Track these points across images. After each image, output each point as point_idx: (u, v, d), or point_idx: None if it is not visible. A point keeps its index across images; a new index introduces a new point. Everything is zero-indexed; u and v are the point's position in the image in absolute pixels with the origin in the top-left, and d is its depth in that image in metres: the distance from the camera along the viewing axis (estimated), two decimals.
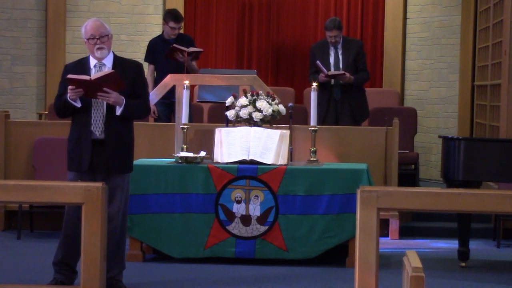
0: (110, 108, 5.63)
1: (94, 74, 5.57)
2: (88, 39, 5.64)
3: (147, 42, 9.22)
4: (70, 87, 5.50)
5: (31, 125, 8.25)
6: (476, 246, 7.52)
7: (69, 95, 5.54)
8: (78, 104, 5.58)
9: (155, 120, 8.83)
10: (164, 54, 8.69)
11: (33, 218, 7.97)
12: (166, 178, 6.74)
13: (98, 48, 5.64)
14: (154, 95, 7.63)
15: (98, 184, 3.76)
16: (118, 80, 5.55)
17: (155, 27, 10.18)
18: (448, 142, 6.75)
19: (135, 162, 6.93)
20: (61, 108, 5.68)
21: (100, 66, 5.69)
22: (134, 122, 5.65)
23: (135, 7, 10.61)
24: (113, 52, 5.78)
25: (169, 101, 8.48)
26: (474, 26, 9.92)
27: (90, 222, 3.74)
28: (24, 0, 10.25)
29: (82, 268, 3.78)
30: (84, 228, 3.75)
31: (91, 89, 5.51)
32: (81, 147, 5.63)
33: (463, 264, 6.79)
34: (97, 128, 5.63)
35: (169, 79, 7.58)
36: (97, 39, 5.63)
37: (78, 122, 5.66)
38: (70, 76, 5.52)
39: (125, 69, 5.72)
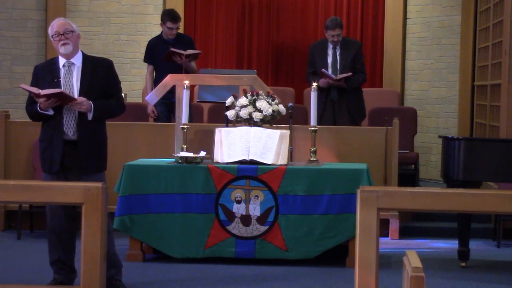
0: None
1: (44, 90, 5.48)
2: (52, 36, 5.61)
3: (147, 42, 9.21)
4: (41, 100, 5.46)
5: (31, 125, 8.17)
6: (476, 246, 7.52)
7: (41, 106, 5.52)
8: (51, 112, 5.56)
9: (155, 120, 8.83)
10: (162, 57, 8.69)
11: (33, 218, 7.97)
12: (166, 178, 6.73)
13: (62, 44, 5.58)
14: (154, 95, 7.63)
15: (98, 184, 3.75)
16: (69, 96, 5.52)
17: (155, 27, 10.18)
18: (448, 142, 6.75)
19: (135, 162, 6.95)
20: (34, 117, 5.67)
21: (69, 65, 5.63)
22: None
23: (135, 7, 10.61)
24: (81, 52, 5.71)
25: (169, 101, 8.48)
26: (474, 26, 9.92)
27: (90, 222, 3.73)
28: (24, 0, 10.25)
29: (82, 268, 3.77)
30: (84, 228, 3.74)
31: (63, 98, 5.49)
32: (52, 148, 5.61)
33: (463, 264, 6.79)
34: (70, 128, 5.60)
35: (169, 79, 7.58)
36: (61, 35, 5.57)
37: (50, 123, 5.63)
38: (43, 92, 5.46)
39: (95, 67, 5.67)
